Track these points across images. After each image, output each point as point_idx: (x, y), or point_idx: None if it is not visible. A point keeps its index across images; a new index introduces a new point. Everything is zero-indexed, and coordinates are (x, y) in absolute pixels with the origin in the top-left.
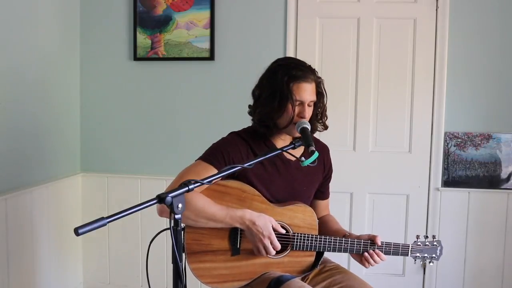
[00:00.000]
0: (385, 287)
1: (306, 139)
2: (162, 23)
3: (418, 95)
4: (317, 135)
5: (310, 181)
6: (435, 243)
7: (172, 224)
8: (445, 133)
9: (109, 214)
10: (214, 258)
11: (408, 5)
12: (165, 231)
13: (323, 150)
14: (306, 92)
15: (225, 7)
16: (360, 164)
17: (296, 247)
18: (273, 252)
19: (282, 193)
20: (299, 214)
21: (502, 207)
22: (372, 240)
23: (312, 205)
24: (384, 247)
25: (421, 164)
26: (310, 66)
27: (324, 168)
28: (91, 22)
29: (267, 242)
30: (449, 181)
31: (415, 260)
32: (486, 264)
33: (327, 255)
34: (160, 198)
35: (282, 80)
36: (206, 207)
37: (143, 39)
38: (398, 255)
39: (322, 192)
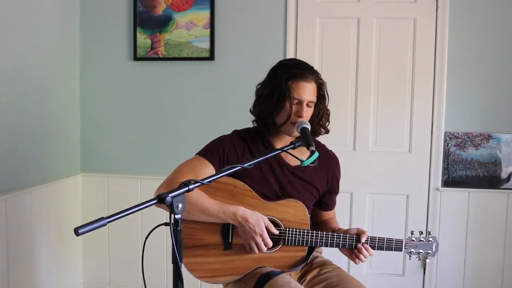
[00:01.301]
0: (385, 287)
1: (306, 139)
2: (162, 23)
3: (418, 95)
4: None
5: (307, 190)
6: (430, 239)
7: (172, 224)
8: (445, 133)
9: (109, 214)
10: (206, 253)
11: (408, 5)
12: (162, 230)
13: (331, 160)
14: (305, 91)
15: (225, 7)
16: (360, 164)
17: (287, 242)
18: (265, 249)
19: (274, 194)
20: (290, 209)
21: (502, 207)
22: (358, 235)
23: (316, 215)
24: (377, 243)
25: (421, 164)
26: (312, 67)
27: (327, 180)
28: (91, 22)
29: (259, 240)
30: (449, 181)
31: (410, 256)
32: (486, 264)
33: (327, 257)
34: (160, 198)
35: (281, 77)
36: (200, 200)
37: (143, 39)
38: (392, 250)
39: (326, 204)
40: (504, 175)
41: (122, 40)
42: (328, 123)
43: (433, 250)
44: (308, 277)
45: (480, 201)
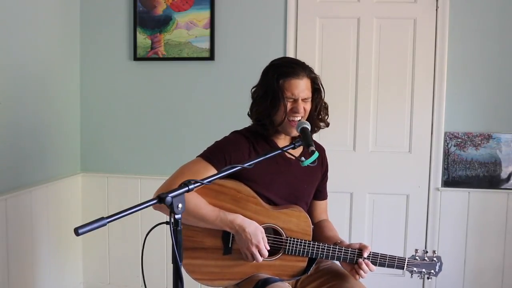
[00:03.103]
0: (385, 287)
1: (306, 139)
2: (162, 23)
3: (418, 95)
4: (316, 133)
5: (311, 180)
6: (434, 259)
7: (172, 224)
8: (445, 133)
9: (109, 214)
10: (205, 256)
11: (408, 5)
12: (162, 230)
13: (320, 150)
14: (297, 88)
15: (225, 7)
16: (360, 164)
17: (288, 251)
18: (260, 260)
19: (284, 191)
20: (293, 219)
21: (502, 207)
22: (360, 250)
23: (311, 206)
24: (378, 259)
25: (421, 164)
26: (303, 63)
27: (322, 167)
28: (91, 22)
29: (254, 250)
30: (449, 181)
31: (411, 275)
32: (486, 264)
33: None
34: (160, 198)
35: (272, 78)
36: (198, 207)
37: (143, 39)
38: (393, 268)
39: (320, 192)
40: (504, 175)
41: (122, 40)
42: (327, 116)
43: (436, 270)
44: (303, 276)
45: (480, 201)
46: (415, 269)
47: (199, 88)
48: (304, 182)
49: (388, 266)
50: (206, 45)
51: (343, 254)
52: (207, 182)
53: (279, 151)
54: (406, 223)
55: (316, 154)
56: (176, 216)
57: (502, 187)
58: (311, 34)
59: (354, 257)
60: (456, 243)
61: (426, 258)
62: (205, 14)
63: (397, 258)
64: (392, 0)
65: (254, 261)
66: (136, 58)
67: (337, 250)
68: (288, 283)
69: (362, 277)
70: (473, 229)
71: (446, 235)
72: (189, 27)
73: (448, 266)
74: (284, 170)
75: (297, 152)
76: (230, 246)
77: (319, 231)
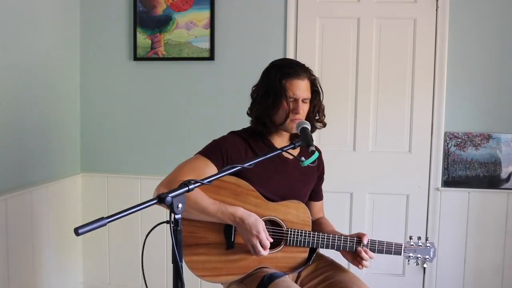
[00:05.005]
0: (385, 287)
1: (306, 139)
2: (162, 23)
3: (418, 95)
4: (316, 134)
5: (307, 180)
6: (428, 245)
7: (172, 224)
8: (445, 133)
9: (109, 214)
10: (208, 251)
11: (408, 5)
12: (162, 230)
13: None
14: (299, 89)
15: (225, 7)
16: (360, 164)
17: (289, 243)
18: (262, 251)
19: (280, 190)
20: (292, 210)
21: (502, 207)
22: (359, 238)
23: (307, 206)
24: (376, 246)
25: (421, 164)
26: (303, 65)
27: (318, 168)
28: (91, 22)
29: (255, 241)
30: (449, 181)
31: (408, 261)
32: (486, 264)
33: (322, 251)
34: (160, 198)
35: (275, 78)
36: (199, 200)
37: (143, 39)
38: (391, 254)
39: (317, 193)
40: (504, 175)
41: (122, 40)
42: (324, 117)
43: (431, 256)
44: (304, 273)
45: (480, 201)
46: (411, 254)
47: (199, 88)
48: (300, 183)
49: (386, 252)
50: (206, 45)
51: (343, 243)
52: (207, 182)
53: (279, 151)
54: (406, 223)
55: (316, 154)
56: (176, 216)
57: (502, 187)
58: (311, 34)
59: (354, 244)
60: (456, 243)
61: (420, 244)
62: (205, 14)
63: (394, 244)
64: (392, 0)
65: (257, 254)
66: (136, 58)
67: (336, 238)
68: (290, 275)
69: (366, 266)
70: (473, 229)
71: (446, 235)
72: (189, 27)
73: (448, 266)
74: (281, 169)
75: (295, 152)
76: (232, 240)
77: (317, 228)
